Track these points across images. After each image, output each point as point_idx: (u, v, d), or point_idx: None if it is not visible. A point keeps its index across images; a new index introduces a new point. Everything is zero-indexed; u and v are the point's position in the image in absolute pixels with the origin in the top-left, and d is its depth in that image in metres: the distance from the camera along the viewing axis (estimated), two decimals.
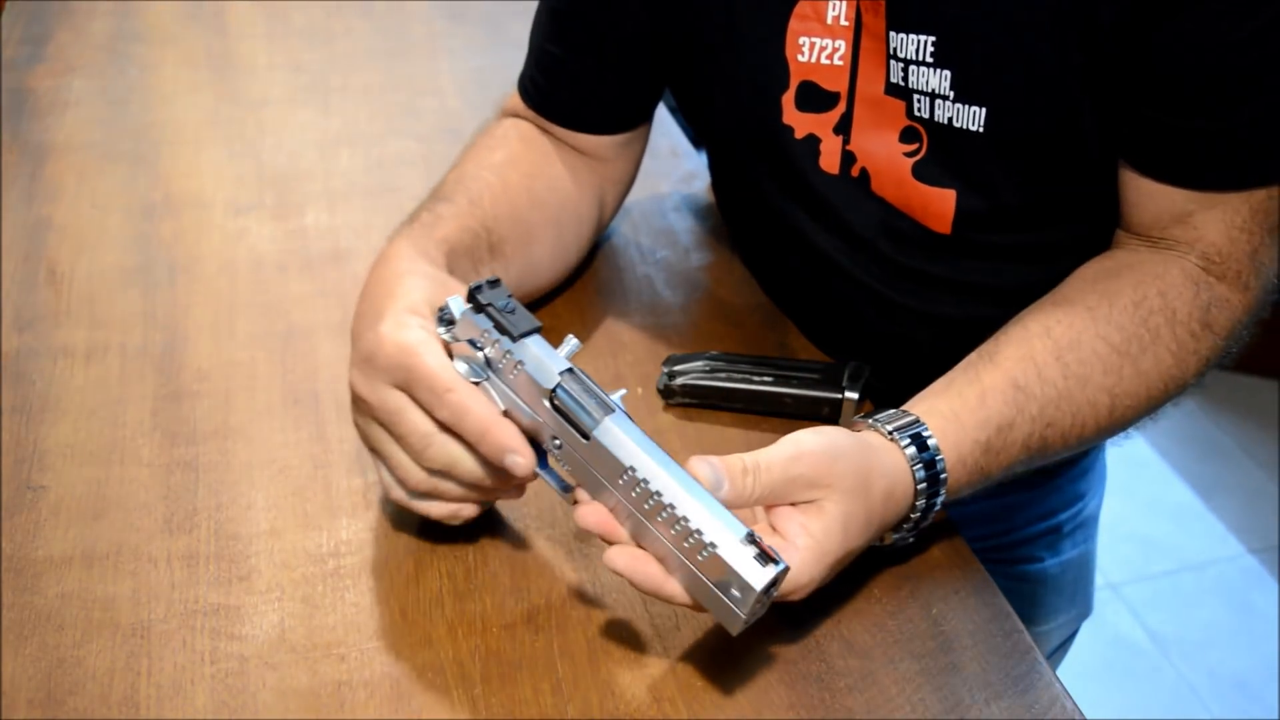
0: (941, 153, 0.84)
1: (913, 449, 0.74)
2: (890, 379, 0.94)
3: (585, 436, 0.68)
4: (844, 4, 0.83)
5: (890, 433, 0.74)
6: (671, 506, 0.66)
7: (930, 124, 0.83)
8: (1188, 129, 0.78)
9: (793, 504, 0.69)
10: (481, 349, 0.72)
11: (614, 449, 0.68)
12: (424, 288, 0.76)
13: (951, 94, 0.81)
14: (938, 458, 0.74)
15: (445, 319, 0.73)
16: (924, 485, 0.74)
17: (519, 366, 0.71)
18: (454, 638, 0.74)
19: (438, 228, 0.85)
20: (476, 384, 0.72)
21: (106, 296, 1.02)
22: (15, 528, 0.80)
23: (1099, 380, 0.78)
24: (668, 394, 0.91)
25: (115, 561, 0.78)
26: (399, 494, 0.76)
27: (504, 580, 0.78)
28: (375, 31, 1.49)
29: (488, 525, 0.81)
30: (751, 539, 0.64)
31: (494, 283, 0.72)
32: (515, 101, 1.00)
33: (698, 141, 1.27)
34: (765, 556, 0.64)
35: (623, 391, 0.71)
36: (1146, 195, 0.82)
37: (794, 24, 0.85)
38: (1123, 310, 0.80)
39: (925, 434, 0.75)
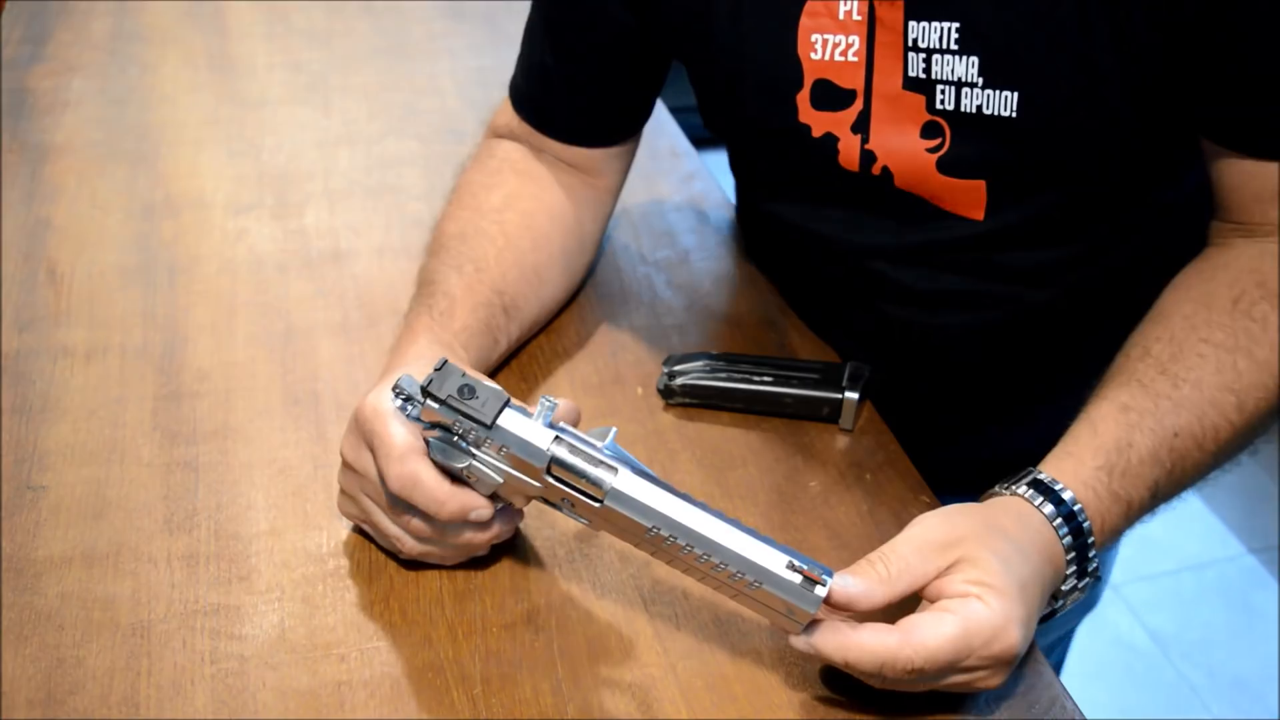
0: (968, 145, 0.83)
1: (1029, 491, 0.73)
2: (905, 375, 0.94)
3: (597, 501, 0.68)
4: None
5: (1003, 489, 0.74)
6: (707, 555, 0.66)
7: (955, 115, 0.82)
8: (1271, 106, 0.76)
9: (942, 577, 0.68)
10: (458, 434, 0.69)
11: (629, 511, 0.67)
12: (423, 368, 0.75)
13: (981, 80, 0.79)
14: (1057, 487, 0.72)
15: (400, 395, 0.70)
16: (1057, 520, 0.71)
17: (504, 449, 0.69)
18: (454, 638, 0.74)
19: (455, 316, 0.85)
20: (463, 467, 0.70)
21: (106, 296, 1.02)
22: (15, 528, 0.80)
23: (1214, 380, 0.76)
24: (668, 394, 0.91)
25: (115, 561, 0.78)
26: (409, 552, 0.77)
27: (504, 580, 0.78)
28: (375, 31, 1.49)
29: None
30: (793, 567, 0.65)
31: (441, 367, 0.68)
32: (506, 116, 1.00)
33: (698, 141, 1.27)
34: (810, 581, 0.65)
35: (613, 431, 0.69)
36: (1247, 175, 0.79)
37: (805, 21, 0.84)
38: (1222, 310, 0.78)
39: (1039, 475, 0.73)
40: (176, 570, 0.78)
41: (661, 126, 1.27)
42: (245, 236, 1.10)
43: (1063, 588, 0.73)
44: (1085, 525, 0.72)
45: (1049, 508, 0.72)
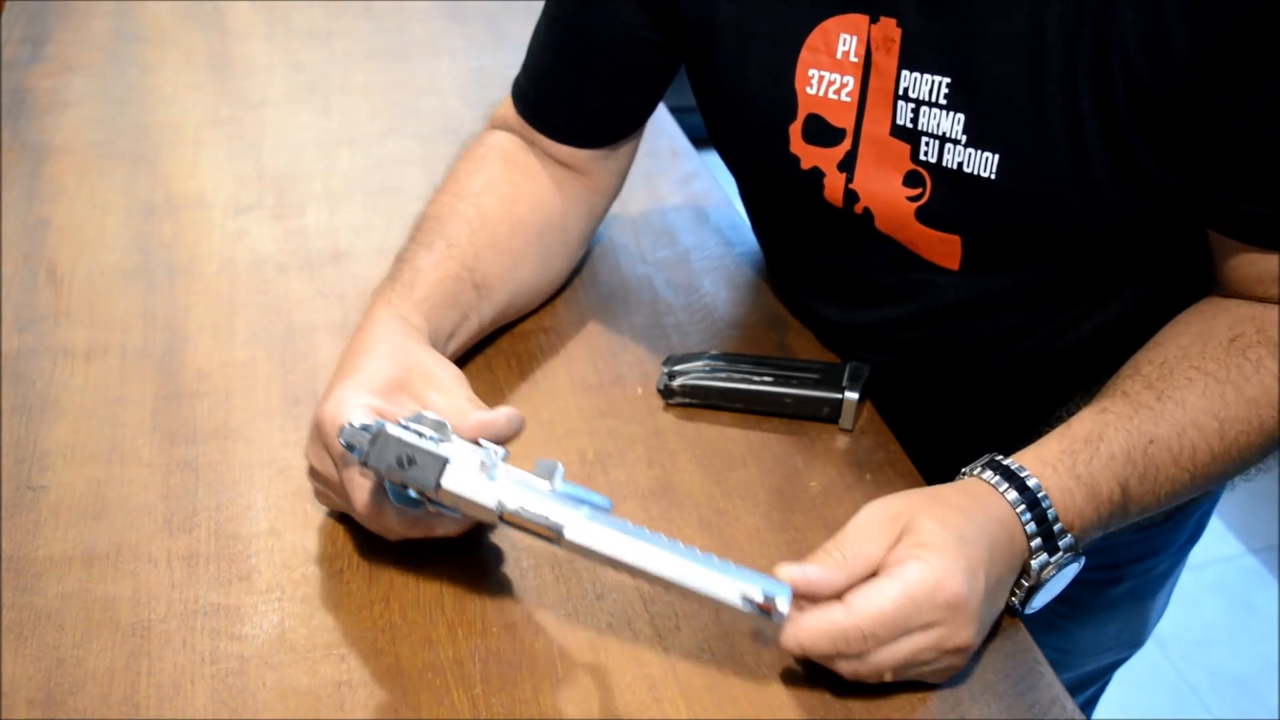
0: (947, 199, 0.83)
1: (984, 471, 0.74)
2: (901, 392, 0.94)
3: (553, 542, 0.69)
4: (855, 40, 0.82)
5: (961, 474, 0.75)
6: (667, 587, 0.68)
7: (937, 169, 0.82)
8: (1274, 207, 0.76)
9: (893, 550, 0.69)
10: (409, 489, 0.70)
11: (588, 556, 0.69)
12: (385, 370, 0.77)
13: (965, 138, 0.79)
14: (1013, 466, 0.73)
15: (345, 444, 0.70)
16: (1011, 494, 0.72)
17: (455, 506, 0.70)
18: (454, 638, 0.74)
19: (416, 286, 0.86)
20: (419, 512, 0.71)
21: (106, 296, 1.02)
22: (15, 528, 0.80)
23: (1199, 403, 0.76)
24: (668, 394, 0.91)
25: (115, 561, 0.78)
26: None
27: (504, 580, 0.78)
28: (375, 31, 1.49)
29: (487, 524, 0.81)
30: (747, 598, 0.66)
31: (376, 436, 0.68)
32: (505, 109, 1.00)
33: (698, 141, 1.27)
34: (765, 611, 0.66)
35: (560, 469, 0.69)
36: (1246, 262, 0.80)
37: (805, 55, 0.84)
38: (1218, 346, 0.78)
39: (996, 457, 0.75)
40: (176, 570, 0.78)
41: (661, 126, 1.27)
42: (245, 236, 1.10)
43: (1032, 563, 0.73)
44: (1041, 497, 0.72)
45: (1003, 485, 0.73)
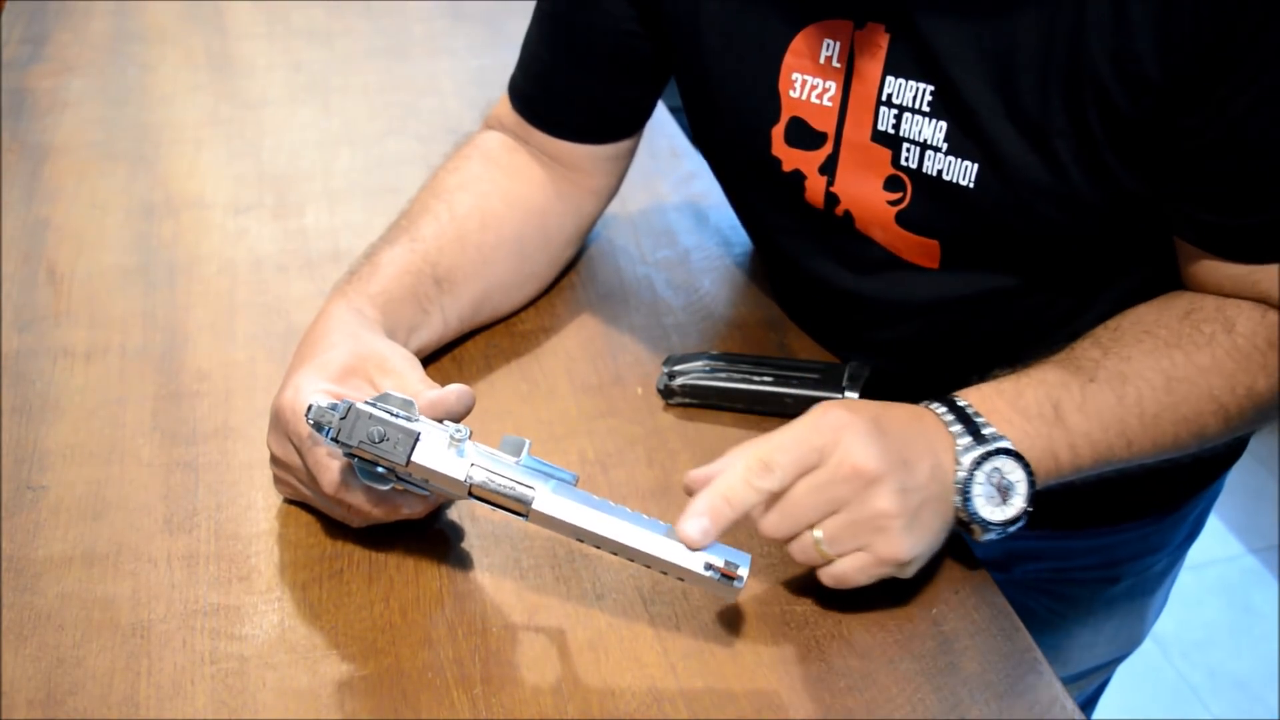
0: (927, 205, 0.83)
1: (935, 404, 0.77)
2: (893, 380, 0.94)
3: (522, 515, 0.70)
4: (838, 46, 0.82)
5: None
6: (632, 558, 0.70)
7: (917, 175, 0.82)
8: (1237, 219, 0.77)
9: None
10: (378, 466, 0.71)
11: (555, 528, 0.70)
12: (340, 357, 0.77)
13: (945, 146, 0.80)
14: (956, 399, 0.76)
15: (312, 424, 0.70)
16: (942, 410, 0.75)
17: (426, 481, 0.71)
18: (454, 638, 0.74)
19: (373, 281, 0.86)
20: (388, 488, 0.72)
21: (106, 296, 1.02)
22: (15, 528, 0.80)
23: (1146, 360, 0.77)
24: (668, 394, 0.91)
25: (115, 561, 0.78)
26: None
27: (504, 580, 0.78)
28: (375, 31, 1.49)
29: (487, 525, 0.81)
30: (710, 566, 0.69)
31: (345, 414, 0.69)
32: (500, 109, 1.01)
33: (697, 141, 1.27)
34: (728, 577, 0.69)
35: (527, 444, 0.71)
36: (1207, 269, 0.80)
37: (789, 58, 0.84)
38: (1172, 316, 0.79)
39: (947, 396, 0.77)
40: (176, 570, 0.78)
41: (661, 126, 1.27)
42: (245, 236, 1.10)
43: (958, 450, 0.73)
44: (955, 397, 0.76)
45: (940, 407, 0.75)
